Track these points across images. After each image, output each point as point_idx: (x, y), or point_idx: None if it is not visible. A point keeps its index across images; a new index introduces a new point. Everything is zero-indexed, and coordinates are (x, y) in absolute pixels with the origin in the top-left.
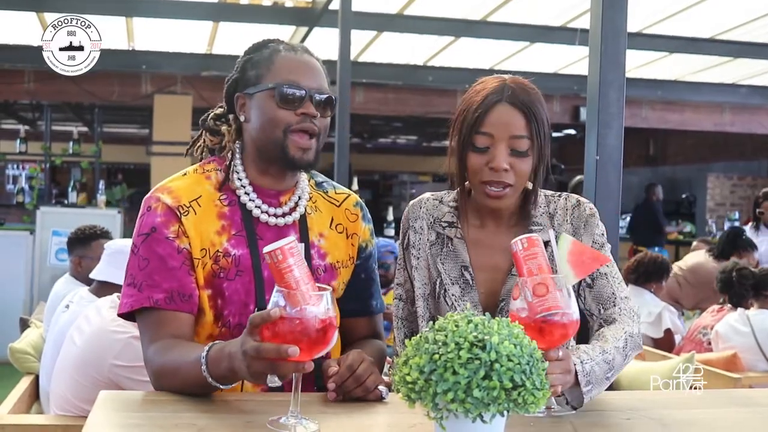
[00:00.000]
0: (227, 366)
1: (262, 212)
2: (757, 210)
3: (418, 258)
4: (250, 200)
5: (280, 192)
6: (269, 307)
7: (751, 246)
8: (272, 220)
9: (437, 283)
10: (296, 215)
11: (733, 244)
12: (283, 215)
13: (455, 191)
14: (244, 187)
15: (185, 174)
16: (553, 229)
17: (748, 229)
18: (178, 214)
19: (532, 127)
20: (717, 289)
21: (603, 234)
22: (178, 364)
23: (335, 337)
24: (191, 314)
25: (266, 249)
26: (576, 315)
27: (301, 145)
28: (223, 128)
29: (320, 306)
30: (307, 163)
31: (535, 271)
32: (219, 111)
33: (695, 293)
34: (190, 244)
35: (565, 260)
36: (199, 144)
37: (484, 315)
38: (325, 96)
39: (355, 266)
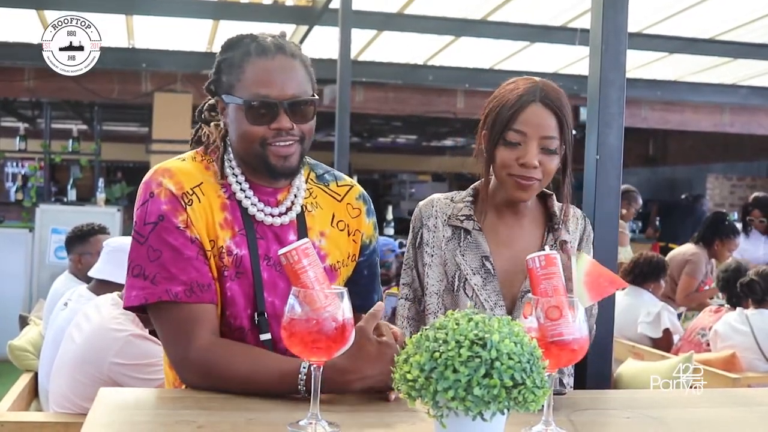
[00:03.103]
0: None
1: (258, 211)
2: (747, 217)
3: (432, 255)
4: (246, 197)
5: (277, 190)
6: (286, 309)
7: (734, 232)
8: (268, 220)
9: (456, 276)
10: (292, 214)
11: (715, 228)
12: (280, 215)
13: (465, 191)
14: (240, 183)
15: (184, 159)
16: (569, 234)
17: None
18: (183, 203)
19: (563, 128)
20: (717, 287)
21: (590, 252)
22: (253, 372)
23: (352, 336)
24: (213, 304)
25: (281, 251)
26: (586, 339)
27: (281, 153)
28: (212, 125)
29: (336, 305)
30: (289, 170)
31: (550, 293)
32: (212, 101)
33: (674, 282)
34: (198, 235)
35: (581, 282)
36: (201, 134)
37: (505, 303)
38: (301, 102)
39: (358, 263)
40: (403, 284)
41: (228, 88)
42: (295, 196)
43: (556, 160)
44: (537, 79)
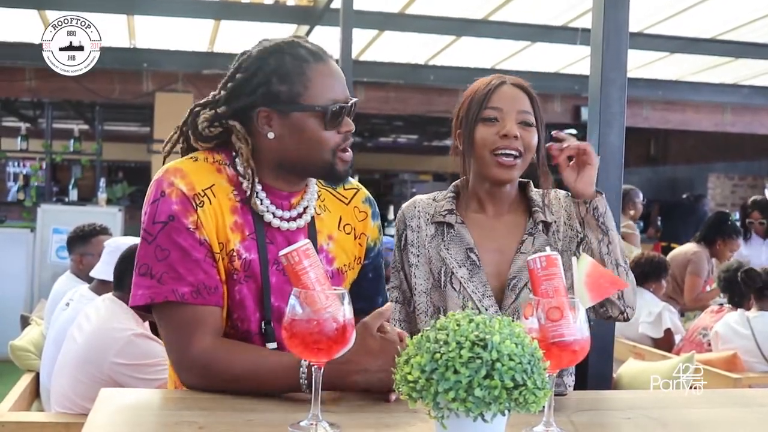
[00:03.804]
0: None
1: (274, 217)
2: (747, 220)
3: (417, 255)
4: (261, 203)
5: (292, 194)
6: (287, 310)
7: (736, 232)
8: (284, 225)
9: (441, 272)
10: (307, 217)
11: (718, 228)
12: (294, 219)
13: (446, 190)
14: (257, 193)
15: (196, 159)
16: (552, 215)
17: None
18: (194, 205)
19: (534, 106)
20: (719, 287)
21: None
22: (254, 369)
23: (353, 337)
24: (219, 307)
25: (282, 252)
26: (587, 340)
27: (346, 158)
28: (238, 145)
29: (337, 306)
30: (348, 174)
31: (551, 294)
32: (207, 115)
33: (676, 282)
34: (208, 237)
35: (582, 283)
36: (181, 147)
37: (493, 293)
38: (353, 104)
39: (363, 266)
40: (392, 287)
41: (290, 97)
42: (309, 200)
43: (535, 136)
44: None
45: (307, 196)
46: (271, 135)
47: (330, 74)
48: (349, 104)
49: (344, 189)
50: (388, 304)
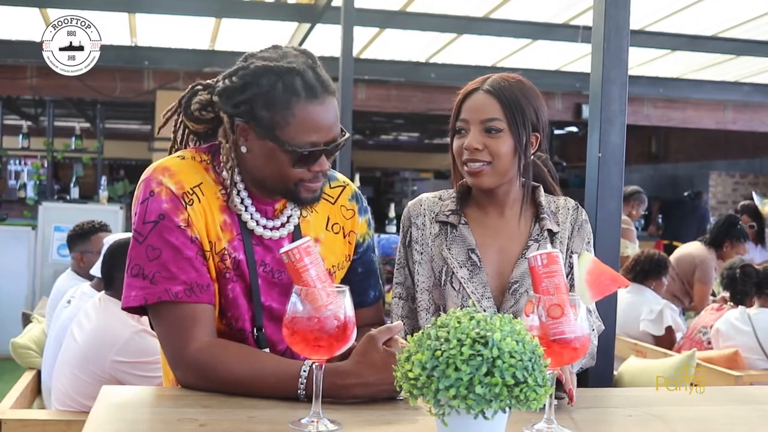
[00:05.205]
0: (349, 384)
1: (257, 225)
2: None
3: (421, 253)
4: (245, 210)
5: (276, 200)
6: (288, 307)
7: (744, 236)
8: (267, 234)
9: (443, 271)
10: (290, 227)
11: (727, 231)
12: (278, 228)
13: (453, 189)
14: (242, 199)
15: (183, 158)
16: (557, 225)
17: None
18: (184, 203)
19: (506, 109)
20: (721, 285)
21: (590, 242)
22: (252, 374)
23: (354, 334)
24: (211, 305)
25: (283, 249)
26: (587, 338)
27: (313, 188)
28: (220, 139)
29: (338, 303)
30: (314, 201)
31: (552, 291)
32: (203, 98)
33: (682, 283)
34: (198, 235)
35: (583, 280)
36: (180, 134)
37: (493, 295)
38: (340, 144)
39: (351, 261)
40: (397, 283)
41: (270, 126)
42: (293, 207)
43: (503, 142)
44: (495, 75)
45: (290, 204)
46: (244, 149)
47: (319, 114)
48: (330, 147)
49: (330, 188)
50: (398, 322)
